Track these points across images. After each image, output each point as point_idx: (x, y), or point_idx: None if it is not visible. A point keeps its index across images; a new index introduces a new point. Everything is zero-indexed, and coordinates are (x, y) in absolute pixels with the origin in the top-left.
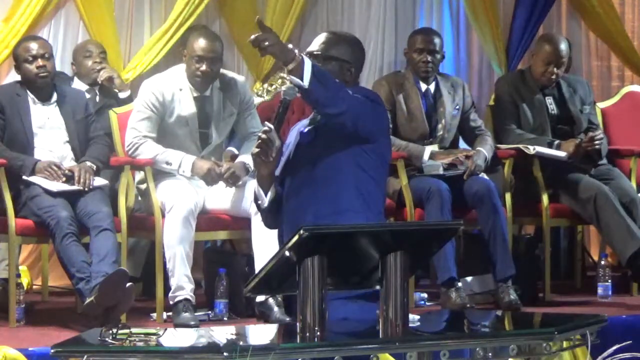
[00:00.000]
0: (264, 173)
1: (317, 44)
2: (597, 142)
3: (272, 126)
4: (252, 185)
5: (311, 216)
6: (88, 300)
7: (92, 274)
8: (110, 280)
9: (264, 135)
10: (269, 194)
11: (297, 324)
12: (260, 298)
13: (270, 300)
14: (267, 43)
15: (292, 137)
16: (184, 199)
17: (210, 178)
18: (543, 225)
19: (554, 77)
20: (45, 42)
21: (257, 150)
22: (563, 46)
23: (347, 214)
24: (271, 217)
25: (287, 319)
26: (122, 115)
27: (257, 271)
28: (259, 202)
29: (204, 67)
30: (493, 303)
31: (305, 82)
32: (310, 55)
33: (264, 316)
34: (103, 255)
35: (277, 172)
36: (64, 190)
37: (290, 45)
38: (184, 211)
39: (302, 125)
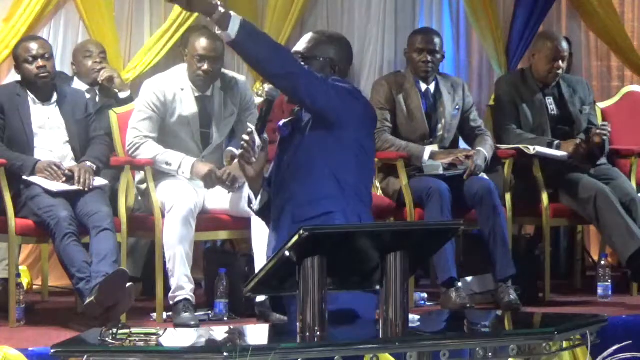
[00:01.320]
0: (250, 175)
1: (302, 43)
2: (604, 132)
3: (252, 127)
4: None
5: (290, 208)
6: (88, 300)
7: (92, 274)
8: (111, 280)
9: (246, 137)
10: (259, 196)
11: (297, 323)
12: (260, 298)
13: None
14: None
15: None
16: (184, 199)
17: (210, 181)
18: (543, 225)
19: (560, 71)
20: (45, 42)
21: (240, 152)
22: (563, 41)
23: (323, 202)
24: (266, 219)
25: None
26: (122, 115)
27: (257, 271)
28: (251, 204)
29: (205, 67)
30: (493, 303)
31: (232, 33)
32: (296, 54)
33: (264, 316)
34: (103, 256)
35: (268, 173)
36: (64, 190)
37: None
38: (183, 211)
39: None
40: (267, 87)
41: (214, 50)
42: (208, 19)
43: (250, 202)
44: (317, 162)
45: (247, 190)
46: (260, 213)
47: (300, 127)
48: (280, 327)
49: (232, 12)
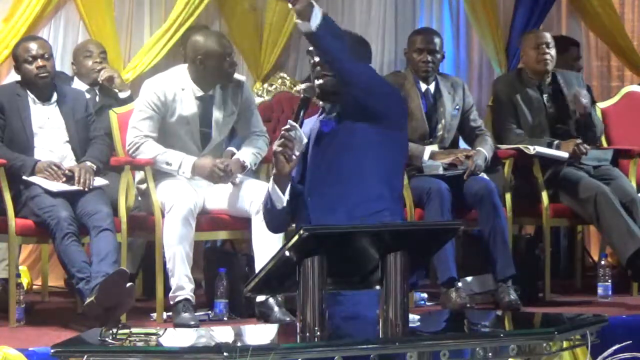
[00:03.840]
0: (286, 172)
1: None
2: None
3: (295, 124)
4: (249, 184)
5: (343, 208)
6: (88, 300)
7: (93, 274)
8: (111, 280)
9: (286, 133)
10: (287, 194)
11: (297, 324)
12: (260, 298)
13: (271, 300)
14: None
15: (306, 134)
16: (184, 198)
17: (216, 175)
18: (543, 225)
19: (548, 57)
20: (45, 42)
21: (280, 148)
22: (545, 32)
23: (377, 201)
24: (283, 218)
25: (288, 318)
26: (122, 115)
27: (257, 271)
28: (276, 203)
29: (230, 62)
30: (493, 303)
31: (313, 26)
32: (309, 53)
33: (264, 316)
34: (103, 256)
35: (293, 170)
36: (64, 191)
37: None
38: (183, 211)
39: (312, 120)
40: (304, 85)
41: (230, 47)
42: (290, 6)
43: (268, 201)
44: (369, 165)
45: (246, 189)
46: (283, 211)
47: (344, 126)
48: (280, 327)
49: (314, 4)
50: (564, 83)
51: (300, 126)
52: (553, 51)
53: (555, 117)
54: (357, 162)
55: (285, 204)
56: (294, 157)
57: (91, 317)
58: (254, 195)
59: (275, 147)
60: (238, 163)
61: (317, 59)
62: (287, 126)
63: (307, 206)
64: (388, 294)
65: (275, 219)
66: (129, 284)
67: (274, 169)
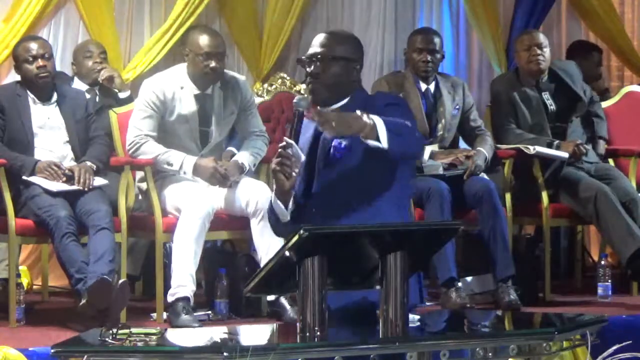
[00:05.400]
0: (287, 188)
1: (318, 45)
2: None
3: (292, 141)
4: (246, 183)
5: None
6: (82, 301)
7: (88, 274)
8: (96, 287)
9: (283, 151)
10: (290, 208)
11: (297, 324)
12: (271, 297)
13: (282, 299)
14: (333, 124)
15: (305, 142)
16: (203, 199)
17: (215, 179)
18: (543, 225)
19: (540, 58)
20: (45, 42)
21: (278, 167)
22: (538, 32)
23: (385, 220)
24: (286, 228)
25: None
26: (122, 115)
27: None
28: (280, 217)
29: (213, 64)
30: (493, 303)
31: (384, 143)
32: (314, 57)
33: (276, 315)
34: (100, 255)
35: (297, 185)
36: (64, 190)
37: (358, 112)
38: (203, 212)
39: (309, 129)
40: (296, 98)
41: (219, 46)
42: (360, 135)
43: (272, 213)
44: (381, 187)
45: (241, 188)
46: (285, 226)
47: (355, 151)
48: (280, 327)
49: (374, 119)
50: (565, 75)
51: (297, 141)
52: (547, 51)
53: (556, 115)
54: (370, 186)
55: (288, 219)
56: (293, 173)
57: (87, 317)
58: (250, 194)
59: (273, 165)
60: (237, 166)
61: (309, 69)
62: (284, 143)
63: (315, 223)
64: (388, 294)
65: (282, 232)
66: (121, 281)
67: (274, 184)
